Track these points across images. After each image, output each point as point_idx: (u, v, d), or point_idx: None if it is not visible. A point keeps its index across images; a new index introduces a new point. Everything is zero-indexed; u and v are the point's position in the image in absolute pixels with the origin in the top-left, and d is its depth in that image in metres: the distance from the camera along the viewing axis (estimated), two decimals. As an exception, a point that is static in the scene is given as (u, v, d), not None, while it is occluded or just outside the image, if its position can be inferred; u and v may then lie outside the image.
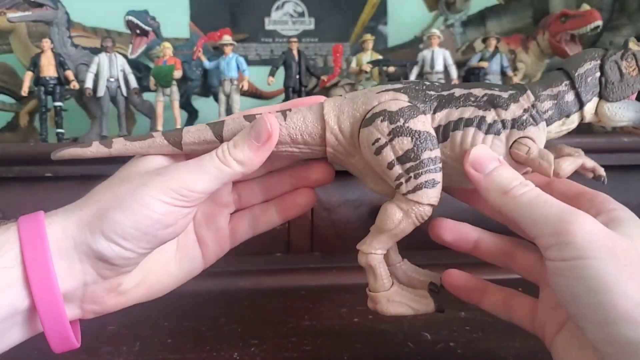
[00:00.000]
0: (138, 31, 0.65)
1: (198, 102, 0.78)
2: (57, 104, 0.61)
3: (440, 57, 0.62)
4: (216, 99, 0.66)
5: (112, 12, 0.75)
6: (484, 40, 0.64)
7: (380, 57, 0.63)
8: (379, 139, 0.30)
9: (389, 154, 0.30)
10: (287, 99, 0.63)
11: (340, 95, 0.33)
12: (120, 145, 0.31)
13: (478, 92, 0.30)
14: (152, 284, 0.32)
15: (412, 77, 0.62)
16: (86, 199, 0.30)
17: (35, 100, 0.70)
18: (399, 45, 0.94)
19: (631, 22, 0.76)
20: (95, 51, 0.63)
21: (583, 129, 0.84)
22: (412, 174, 0.29)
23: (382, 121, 0.30)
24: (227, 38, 0.63)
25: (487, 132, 0.29)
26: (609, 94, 0.30)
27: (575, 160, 0.29)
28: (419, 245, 0.35)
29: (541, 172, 0.28)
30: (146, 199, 0.28)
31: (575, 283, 0.24)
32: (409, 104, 0.30)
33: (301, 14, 1.02)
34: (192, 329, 0.41)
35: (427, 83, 0.32)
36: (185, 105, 0.74)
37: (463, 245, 0.33)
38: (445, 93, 0.31)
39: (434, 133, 0.30)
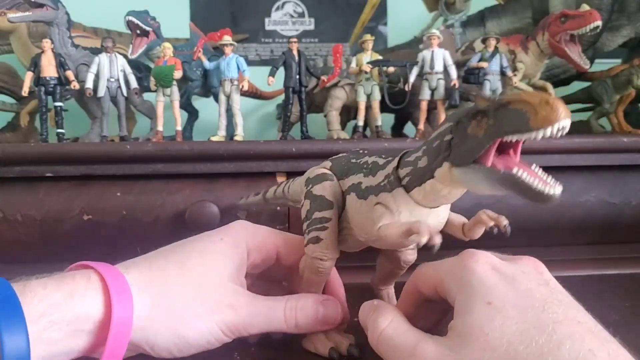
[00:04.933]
0: (138, 31, 0.65)
1: (198, 103, 0.78)
2: (58, 104, 0.61)
3: (440, 58, 0.62)
4: (216, 99, 0.66)
5: (113, 12, 0.75)
6: (484, 41, 0.64)
7: (380, 57, 0.63)
8: (302, 199, 0.35)
9: (302, 212, 0.35)
10: (287, 99, 0.63)
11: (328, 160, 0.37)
12: (258, 198, 0.46)
13: (372, 159, 0.33)
14: None
15: (412, 77, 0.62)
16: (162, 287, 0.31)
17: (35, 100, 0.70)
18: (399, 45, 0.94)
19: (630, 23, 0.76)
20: (96, 51, 0.63)
21: (582, 129, 0.83)
22: (307, 230, 0.34)
23: (305, 186, 0.35)
24: (227, 38, 0.63)
25: (359, 197, 0.32)
26: (453, 158, 0.26)
27: (401, 226, 0.27)
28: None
29: None
30: (215, 330, 0.31)
31: None
32: (325, 171, 0.34)
33: (301, 15, 1.02)
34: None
35: (361, 151, 0.35)
36: (186, 105, 0.74)
37: None
38: (360, 161, 0.34)
39: (329, 197, 0.33)
